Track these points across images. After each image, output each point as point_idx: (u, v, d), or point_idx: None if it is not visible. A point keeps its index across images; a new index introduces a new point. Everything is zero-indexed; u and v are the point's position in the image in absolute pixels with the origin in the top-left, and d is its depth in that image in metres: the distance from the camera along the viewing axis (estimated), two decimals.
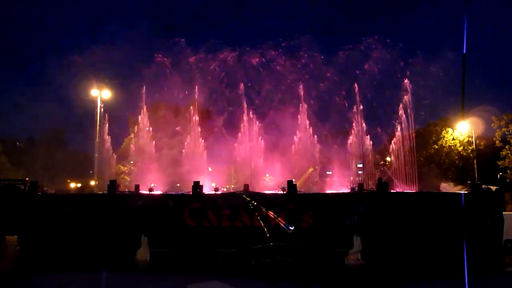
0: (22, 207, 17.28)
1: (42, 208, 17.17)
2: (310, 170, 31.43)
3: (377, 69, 31.54)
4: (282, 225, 15.99)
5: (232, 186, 33.84)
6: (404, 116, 30.43)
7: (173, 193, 19.87)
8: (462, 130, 39.59)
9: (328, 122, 32.18)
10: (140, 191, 18.41)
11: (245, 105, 31.17)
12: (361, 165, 32.83)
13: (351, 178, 31.52)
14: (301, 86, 31.70)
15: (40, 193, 18.03)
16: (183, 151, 31.98)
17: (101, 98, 33.44)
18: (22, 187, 18.58)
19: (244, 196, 16.91)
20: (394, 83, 31.54)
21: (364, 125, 30.77)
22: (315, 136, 31.47)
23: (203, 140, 31.58)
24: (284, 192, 17.15)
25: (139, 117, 31.13)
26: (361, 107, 30.68)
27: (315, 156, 31.90)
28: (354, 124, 30.89)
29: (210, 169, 32.84)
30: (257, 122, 31.29)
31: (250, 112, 31.30)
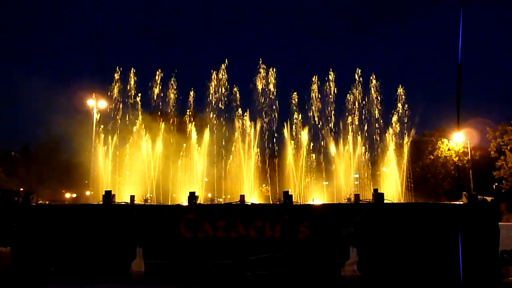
0: (16, 218, 17.11)
1: (36, 219, 16.97)
2: (305, 181, 31.40)
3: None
4: (277, 236, 15.92)
5: (228, 196, 33.72)
6: (399, 126, 30.56)
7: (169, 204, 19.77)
8: (458, 141, 39.74)
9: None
10: (135, 202, 18.29)
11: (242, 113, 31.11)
12: (357, 175, 32.83)
13: (348, 188, 31.48)
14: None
15: (34, 204, 17.86)
16: (179, 161, 31.89)
17: (97, 108, 33.38)
18: (16, 198, 18.43)
19: (240, 207, 16.86)
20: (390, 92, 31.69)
21: (360, 135, 30.83)
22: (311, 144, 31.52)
23: (198, 149, 31.50)
24: (280, 203, 17.10)
25: (135, 127, 31.08)
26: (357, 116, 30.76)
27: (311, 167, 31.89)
28: (350, 134, 30.94)
29: (206, 180, 32.73)
30: (253, 131, 31.22)
31: (247, 122, 31.25)
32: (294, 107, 31.54)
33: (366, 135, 31.26)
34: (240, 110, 31.09)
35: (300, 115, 31.55)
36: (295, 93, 31.55)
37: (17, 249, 16.88)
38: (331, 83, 30.62)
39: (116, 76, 30.70)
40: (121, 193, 21.92)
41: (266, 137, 31.98)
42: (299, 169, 31.01)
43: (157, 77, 31.06)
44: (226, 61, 30.99)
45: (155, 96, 31.47)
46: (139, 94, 31.18)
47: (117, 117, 31.36)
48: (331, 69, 30.99)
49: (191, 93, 32.25)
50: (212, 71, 31.08)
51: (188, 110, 33.48)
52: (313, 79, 30.67)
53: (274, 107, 31.31)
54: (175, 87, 31.68)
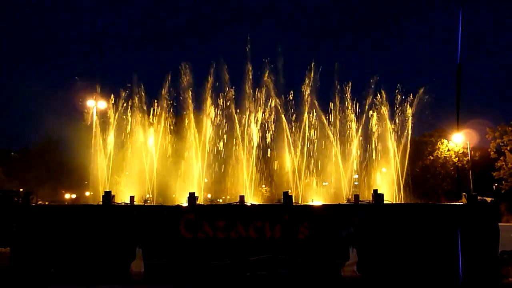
0: (15, 219, 17.10)
1: (35, 220, 16.96)
2: (305, 181, 31.36)
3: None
4: (277, 236, 15.92)
5: (228, 197, 33.70)
6: (398, 127, 30.51)
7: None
8: (457, 141, 39.79)
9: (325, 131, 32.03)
10: (135, 203, 18.28)
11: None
12: (357, 176, 32.80)
13: (347, 189, 31.45)
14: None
15: (33, 204, 17.85)
16: (179, 162, 31.83)
17: (97, 108, 33.36)
18: (16, 199, 18.40)
19: (239, 207, 16.85)
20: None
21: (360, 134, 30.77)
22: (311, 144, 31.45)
23: (198, 149, 31.46)
24: (280, 203, 17.10)
25: (134, 128, 31.03)
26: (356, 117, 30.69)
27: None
28: (350, 133, 30.89)
29: (206, 180, 32.71)
30: (253, 131, 31.17)
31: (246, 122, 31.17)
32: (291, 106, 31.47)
33: (367, 135, 31.24)
34: (238, 111, 31.07)
35: (298, 116, 31.50)
36: (292, 92, 31.50)
37: (16, 250, 16.86)
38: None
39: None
40: (120, 194, 21.91)
41: (265, 137, 31.95)
42: (297, 170, 31.00)
43: (156, 77, 31.02)
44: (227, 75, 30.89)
45: (154, 97, 31.44)
46: (138, 91, 31.11)
47: (116, 118, 31.33)
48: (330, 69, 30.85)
49: (190, 93, 32.16)
50: (208, 87, 30.97)
51: (186, 111, 33.42)
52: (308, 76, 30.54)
53: (272, 106, 31.25)
54: (174, 88, 31.61)
